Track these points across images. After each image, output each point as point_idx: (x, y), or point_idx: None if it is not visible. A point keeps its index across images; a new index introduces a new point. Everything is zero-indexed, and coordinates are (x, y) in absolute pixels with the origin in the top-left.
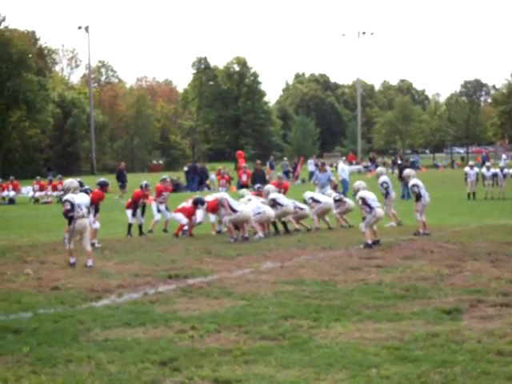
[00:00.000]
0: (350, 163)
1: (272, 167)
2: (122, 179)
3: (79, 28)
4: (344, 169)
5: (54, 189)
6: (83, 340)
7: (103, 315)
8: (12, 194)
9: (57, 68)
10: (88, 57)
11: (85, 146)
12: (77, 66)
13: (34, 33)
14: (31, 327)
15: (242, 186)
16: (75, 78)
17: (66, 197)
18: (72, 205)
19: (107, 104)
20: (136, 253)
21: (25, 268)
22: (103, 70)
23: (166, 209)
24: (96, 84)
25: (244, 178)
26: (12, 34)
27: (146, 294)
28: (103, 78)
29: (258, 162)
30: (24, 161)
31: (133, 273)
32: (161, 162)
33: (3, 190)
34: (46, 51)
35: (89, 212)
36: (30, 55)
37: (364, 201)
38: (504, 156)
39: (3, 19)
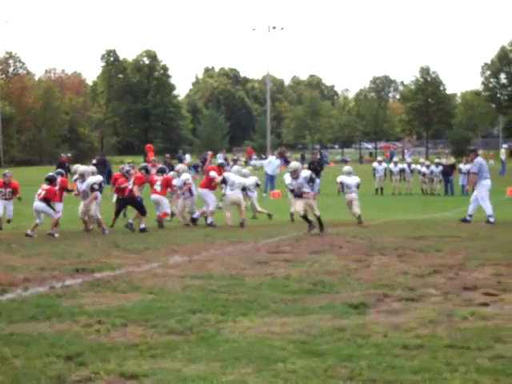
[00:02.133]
0: (250, 158)
1: (181, 161)
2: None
3: None
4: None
5: None
6: None
7: (8, 309)
8: None
9: None
10: None
11: None
12: None
13: None
14: None
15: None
16: None
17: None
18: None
19: (15, 96)
20: (43, 246)
21: None
22: (11, 61)
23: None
24: (3, 75)
25: (153, 171)
26: None
27: (53, 288)
28: (11, 70)
29: (167, 155)
30: None
31: (39, 266)
32: (69, 154)
33: None
34: None
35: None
36: None
37: None
38: (406, 151)
39: None
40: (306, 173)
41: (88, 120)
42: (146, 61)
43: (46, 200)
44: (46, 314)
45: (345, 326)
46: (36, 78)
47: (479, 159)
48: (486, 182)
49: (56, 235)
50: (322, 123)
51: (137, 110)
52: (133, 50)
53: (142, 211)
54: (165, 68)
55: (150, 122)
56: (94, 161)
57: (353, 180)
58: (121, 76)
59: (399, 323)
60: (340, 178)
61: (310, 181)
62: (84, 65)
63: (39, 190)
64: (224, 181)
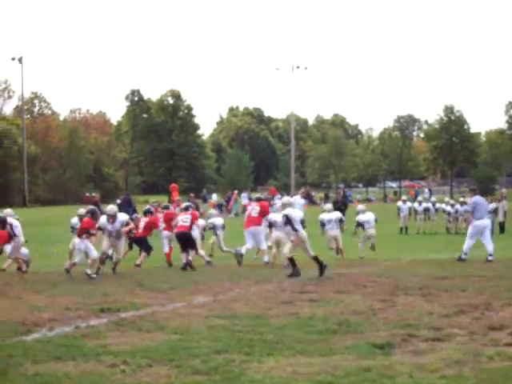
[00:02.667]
0: (272, 197)
1: (205, 200)
2: (125, 209)
3: (12, 59)
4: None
5: None
6: (13, 374)
7: (34, 349)
8: None
9: None
10: (21, 88)
11: (16, 177)
12: (9, 97)
13: None
14: None
15: None
16: (8, 109)
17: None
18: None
19: (40, 136)
20: (67, 286)
21: None
22: (36, 101)
23: None
24: (29, 115)
25: (178, 210)
26: None
27: (78, 328)
28: (36, 110)
29: (192, 195)
30: None
31: (64, 306)
32: (94, 194)
33: None
34: None
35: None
36: None
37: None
38: (426, 190)
39: None
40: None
41: (113, 159)
42: (171, 100)
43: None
44: (71, 354)
45: (370, 366)
46: (61, 117)
47: (475, 198)
48: (478, 222)
49: (93, 276)
50: (346, 162)
51: (161, 150)
52: (157, 90)
53: (147, 250)
54: (189, 108)
55: (174, 162)
56: (119, 200)
57: (368, 216)
58: (145, 116)
59: (425, 363)
60: (358, 218)
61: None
62: (109, 104)
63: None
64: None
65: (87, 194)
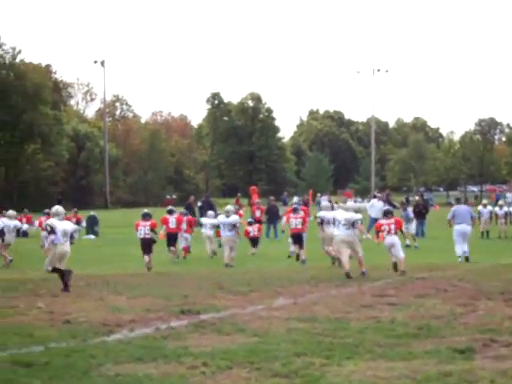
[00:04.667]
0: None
1: (285, 203)
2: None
3: (95, 62)
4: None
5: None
6: (95, 375)
7: (115, 350)
8: (25, 226)
9: (72, 102)
10: (103, 91)
11: (98, 179)
12: (92, 99)
13: (49, 66)
14: (43, 361)
15: (256, 221)
16: (90, 111)
17: (49, 221)
18: (52, 229)
19: (121, 138)
20: (148, 287)
21: (37, 301)
22: (118, 104)
23: None
24: (111, 118)
25: (257, 213)
26: (27, 67)
27: (158, 329)
28: (118, 112)
29: (272, 198)
30: (37, 194)
31: (145, 307)
32: (174, 196)
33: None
34: (61, 85)
35: (72, 238)
36: (46, 89)
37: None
38: (508, 194)
39: (19, 52)
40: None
41: (193, 162)
42: (251, 103)
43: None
44: (151, 355)
45: (451, 371)
46: (142, 120)
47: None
48: (456, 227)
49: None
50: (426, 166)
51: (241, 152)
52: (237, 93)
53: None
54: (269, 110)
55: (254, 164)
56: (200, 203)
57: None
58: (226, 118)
59: (507, 369)
60: None
61: None
62: (190, 107)
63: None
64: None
65: (167, 197)
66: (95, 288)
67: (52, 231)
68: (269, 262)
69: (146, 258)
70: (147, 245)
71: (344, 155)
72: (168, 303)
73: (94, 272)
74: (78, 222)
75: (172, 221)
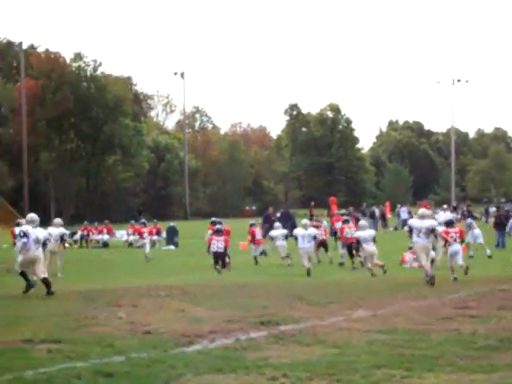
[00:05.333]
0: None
1: (364, 214)
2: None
3: (175, 74)
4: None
5: (150, 233)
6: None
7: (195, 360)
8: (106, 237)
9: (152, 113)
10: (183, 102)
11: (178, 190)
12: (172, 111)
13: (130, 78)
14: (123, 371)
15: (335, 232)
16: (170, 123)
17: (23, 228)
18: (25, 235)
19: (201, 149)
20: (227, 298)
21: (118, 311)
22: (197, 115)
23: None
24: (190, 129)
25: (337, 225)
26: (108, 79)
27: (238, 340)
28: (197, 124)
29: (351, 208)
30: (117, 204)
31: (225, 318)
32: (254, 207)
33: (98, 233)
34: (141, 96)
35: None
36: (126, 100)
37: None
38: None
39: (99, 65)
40: None
41: (272, 173)
42: (330, 114)
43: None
44: (231, 366)
45: None
46: (222, 131)
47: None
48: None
49: None
50: (507, 176)
51: (320, 164)
52: (316, 104)
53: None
54: (348, 121)
55: (333, 176)
56: (278, 214)
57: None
58: (304, 129)
59: None
60: None
61: None
62: (269, 118)
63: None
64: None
65: (247, 208)
66: (175, 299)
67: (24, 236)
68: (347, 273)
69: (219, 268)
70: (220, 258)
71: (423, 166)
72: (247, 314)
73: (174, 282)
74: (158, 233)
75: (258, 232)
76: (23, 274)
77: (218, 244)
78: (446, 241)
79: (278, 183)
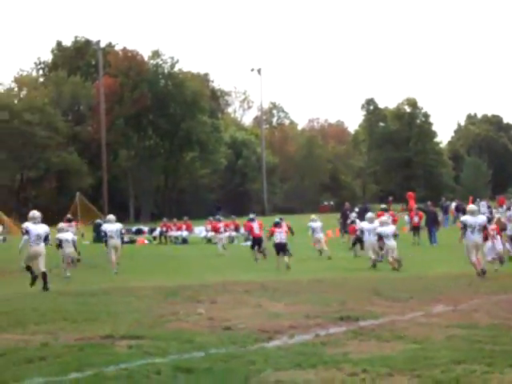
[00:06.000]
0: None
1: (444, 209)
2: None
3: (251, 70)
4: None
5: (226, 228)
6: (254, 381)
7: (274, 356)
8: (185, 233)
9: (229, 109)
10: (260, 98)
11: (255, 186)
12: (249, 107)
13: (207, 75)
14: (203, 367)
15: (414, 227)
16: (247, 119)
17: (24, 224)
18: (27, 232)
19: (278, 145)
20: (305, 294)
21: (197, 307)
22: (275, 111)
23: None
24: (267, 125)
25: (416, 219)
26: (185, 76)
27: (317, 336)
28: (275, 120)
29: (429, 203)
30: (195, 201)
31: (303, 314)
32: (331, 202)
33: (177, 229)
34: (218, 93)
35: (46, 240)
36: (204, 97)
37: None
38: None
39: (177, 62)
40: None
41: (350, 168)
42: (407, 109)
43: None
44: (311, 361)
45: None
46: (299, 127)
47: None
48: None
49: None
50: None
51: (398, 158)
52: (393, 98)
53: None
54: (426, 115)
55: (411, 170)
56: (357, 209)
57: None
58: (381, 124)
59: None
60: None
61: None
62: (346, 113)
63: None
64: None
65: (324, 203)
66: (254, 294)
67: (26, 233)
68: (424, 268)
69: (286, 259)
70: (282, 248)
71: (502, 160)
72: (326, 309)
73: (252, 278)
74: (236, 229)
75: (256, 226)
76: (28, 268)
77: (280, 235)
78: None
79: (356, 178)
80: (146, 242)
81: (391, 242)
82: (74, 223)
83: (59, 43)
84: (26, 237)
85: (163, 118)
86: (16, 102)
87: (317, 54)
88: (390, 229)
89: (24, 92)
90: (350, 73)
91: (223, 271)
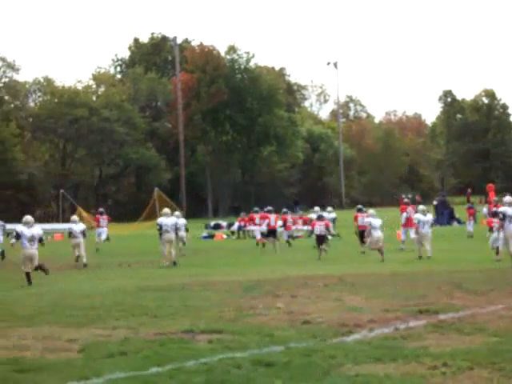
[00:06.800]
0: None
1: None
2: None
3: (328, 64)
4: None
5: (305, 222)
6: (335, 374)
7: (354, 350)
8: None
9: (306, 103)
10: (337, 92)
11: (333, 180)
12: (325, 101)
13: (283, 69)
14: (283, 361)
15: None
16: (324, 113)
17: (17, 228)
18: (18, 234)
19: (355, 138)
20: (384, 287)
21: (276, 302)
22: (351, 104)
23: None
24: (344, 119)
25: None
26: (262, 70)
27: (397, 329)
28: (351, 113)
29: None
30: (273, 195)
31: (383, 307)
32: (410, 195)
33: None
34: (295, 87)
35: (41, 241)
36: (280, 91)
37: None
38: None
39: (252, 56)
40: None
41: (428, 161)
42: (485, 100)
43: None
44: (391, 355)
45: None
46: (376, 120)
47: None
48: None
49: None
50: None
51: (476, 150)
52: (470, 90)
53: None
54: (504, 107)
55: (490, 162)
56: (435, 202)
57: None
58: (459, 116)
59: None
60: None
61: None
62: (424, 106)
63: None
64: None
65: (403, 196)
66: (333, 288)
67: (18, 236)
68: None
69: (324, 246)
70: (322, 240)
71: None
72: (406, 303)
73: (331, 272)
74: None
75: (272, 219)
76: (40, 267)
77: (320, 228)
78: None
79: (434, 171)
80: (225, 236)
81: (377, 233)
82: (105, 216)
83: (136, 40)
84: (13, 241)
85: (240, 112)
86: (94, 98)
87: (393, 46)
88: (378, 221)
89: (102, 89)
90: (427, 64)
91: (301, 265)
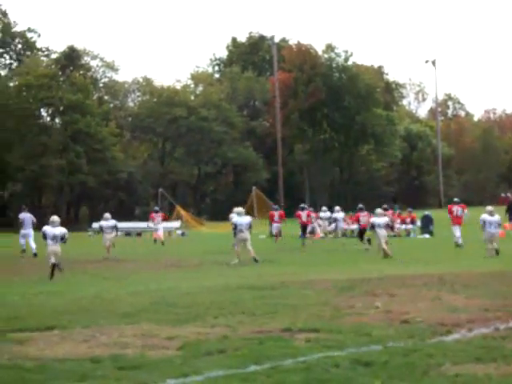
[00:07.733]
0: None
1: None
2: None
3: (426, 62)
4: None
5: (403, 221)
6: (434, 374)
7: (453, 350)
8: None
9: (404, 102)
10: (435, 90)
11: (431, 179)
12: (424, 99)
13: (381, 67)
14: (381, 360)
15: None
16: (422, 111)
17: (43, 228)
18: (44, 234)
19: (453, 137)
20: (484, 286)
21: (374, 301)
22: (450, 103)
23: None
24: (443, 117)
25: None
26: (360, 69)
27: (497, 330)
28: (450, 111)
29: None
30: (371, 194)
31: (482, 307)
32: (509, 194)
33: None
34: (393, 85)
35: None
36: (378, 89)
37: None
38: None
39: (351, 55)
40: None
41: None
42: None
43: None
44: (491, 355)
45: None
46: (475, 118)
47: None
48: None
49: None
50: None
51: None
52: None
53: None
54: None
55: None
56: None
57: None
58: None
59: None
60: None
61: None
62: None
63: None
64: None
65: (502, 195)
66: (432, 287)
67: (44, 235)
68: None
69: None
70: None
71: None
72: (505, 302)
73: (430, 271)
74: (412, 222)
75: (303, 215)
76: (53, 266)
77: (363, 219)
78: None
79: None
80: (322, 235)
81: (382, 232)
82: (160, 214)
83: (234, 39)
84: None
85: (338, 111)
86: (192, 98)
87: (492, 44)
88: (383, 220)
89: (200, 88)
90: None
91: (396, 264)
